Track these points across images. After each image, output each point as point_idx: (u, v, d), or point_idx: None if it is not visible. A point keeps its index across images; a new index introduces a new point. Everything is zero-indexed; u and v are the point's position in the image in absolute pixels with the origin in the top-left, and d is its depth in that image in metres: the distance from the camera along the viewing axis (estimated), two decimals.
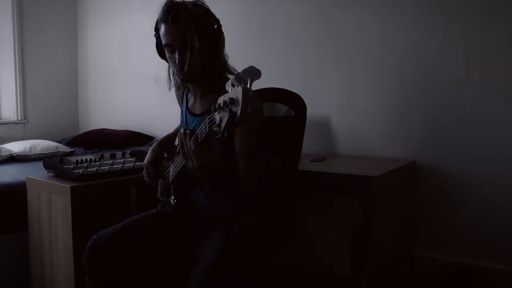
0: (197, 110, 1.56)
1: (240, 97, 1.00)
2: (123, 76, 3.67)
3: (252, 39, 2.82)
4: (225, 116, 1.04)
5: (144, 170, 1.70)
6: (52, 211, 1.94)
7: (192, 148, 1.22)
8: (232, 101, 1.02)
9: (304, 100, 1.72)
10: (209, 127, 1.13)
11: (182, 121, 1.64)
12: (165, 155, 1.63)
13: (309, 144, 2.19)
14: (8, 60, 3.64)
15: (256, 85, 1.76)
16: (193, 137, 1.22)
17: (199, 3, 1.47)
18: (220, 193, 1.44)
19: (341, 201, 2.40)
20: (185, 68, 1.43)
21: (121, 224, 1.57)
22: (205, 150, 1.23)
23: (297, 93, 1.76)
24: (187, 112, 1.60)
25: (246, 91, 1.00)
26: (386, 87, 2.35)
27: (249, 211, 1.47)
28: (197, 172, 1.26)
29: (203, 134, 1.18)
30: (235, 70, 1.51)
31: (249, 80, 1.03)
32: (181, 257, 1.55)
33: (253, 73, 1.04)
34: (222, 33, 1.50)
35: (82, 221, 1.84)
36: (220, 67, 1.50)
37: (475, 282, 2.06)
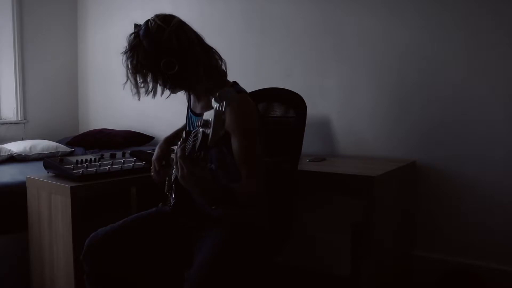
0: (197, 110, 1.60)
1: (212, 120, 1.02)
2: (123, 76, 3.65)
3: (252, 39, 2.82)
4: (199, 137, 1.07)
5: (152, 166, 1.73)
6: (52, 211, 1.94)
7: (179, 155, 1.22)
8: (206, 123, 1.05)
9: (304, 100, 1.72)
10: (193, 141, 1.15)
11: (187, 119, 1.69)
12: (172, 156, 1.63)
13: (309, 144, 2.19)
14: (8, 60, 3.64)
15: (257, 85, 1.77)
16: (181, 146, 1.22)
17: (158, 24, 1.46)
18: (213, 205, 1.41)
19: (341, 201, 2.40)
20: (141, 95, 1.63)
21: (119, 222, 1.58)
22: (192, 163, 1.20)
23: (297, 93, 1.76)
24: (190, 110, 1.65)
25: (218, 115, 1.02)
26: (386, 87, 2.35)
27: (247, 213, 1.47)
28: (182, 182, 1.24)
29: (189, 148, 1.19)
30: (225, 72, 1.56)
31: (224, 103, 1.04)
32: (178, 257, 1.56)
33: (228, 97, 1.05)
34: (195, 44, 1.47)
35: (82, 221, 1.84)
36: (205, 73, 1.49)
37: (475, 282, 2.06)
